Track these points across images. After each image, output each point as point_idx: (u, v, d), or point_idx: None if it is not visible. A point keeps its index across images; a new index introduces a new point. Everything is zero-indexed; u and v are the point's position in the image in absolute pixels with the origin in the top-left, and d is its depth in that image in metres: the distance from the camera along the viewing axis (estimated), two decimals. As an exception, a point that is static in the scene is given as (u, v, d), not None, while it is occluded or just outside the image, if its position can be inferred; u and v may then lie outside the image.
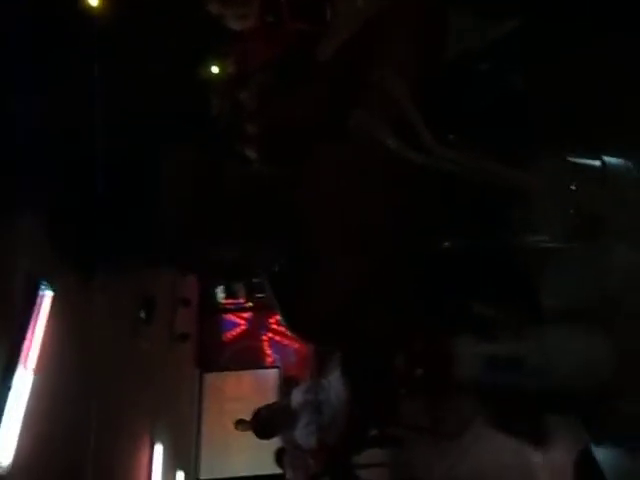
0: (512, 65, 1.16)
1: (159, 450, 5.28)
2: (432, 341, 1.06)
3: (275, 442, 5.23)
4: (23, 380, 2.88)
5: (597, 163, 1.03)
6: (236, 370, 8.43)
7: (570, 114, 1.10)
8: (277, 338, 8.82)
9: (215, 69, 3.93)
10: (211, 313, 8.97)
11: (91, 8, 3.61)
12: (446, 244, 1.07)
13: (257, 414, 3.94)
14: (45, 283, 3.12)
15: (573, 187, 0.99)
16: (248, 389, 8.21)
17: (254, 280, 9.11)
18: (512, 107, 1.10)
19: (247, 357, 8.64)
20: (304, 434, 3.63)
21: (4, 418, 2.71)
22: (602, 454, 1.09)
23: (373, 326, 1.05)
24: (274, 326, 8.96)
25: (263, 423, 3.87)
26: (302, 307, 1.07)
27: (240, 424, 5.75)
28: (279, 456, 4.61)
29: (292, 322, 1.16)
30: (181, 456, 6.60)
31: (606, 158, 1.04)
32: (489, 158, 0.98)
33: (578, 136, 1.09)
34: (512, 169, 1.00)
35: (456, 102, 1.08)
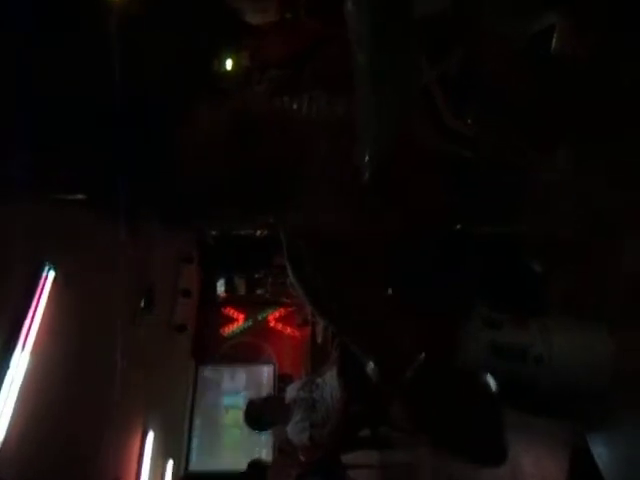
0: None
1: (151, 438, 5.31)
2: (434, 325, 1.06)
3: (266, 437, 5.23)
4: (20, 361, 2.89)
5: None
6: (232, 364, 8.45)
7: (590, 111, 1.11)
8: (274, 335, 8.84)
9: (229, 63, 3.95)
10: (210, 306, 8.99)
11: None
12: (455, 227, 1.08)
13: (250, 404, 3.95)
14: (49, 264, 3.14)
15: (586, 182, 1.00)
16: (243, 384, 8.23)
17: (255, 276, 9.14)
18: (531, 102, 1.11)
19: (243, 352, 8.66)
20: (296, 430, 3.63)
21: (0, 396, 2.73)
22: (603, 459, 1.10)
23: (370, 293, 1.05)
24: (272, 322, 8.99)
25: (255, 414, 3.87)
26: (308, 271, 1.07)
27: None
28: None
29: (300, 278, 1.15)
30: (172, 446, 6.63)
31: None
32: (506, 140, 0.99)
33: (596, 132, 1.10)
34: (528, 153, 1.01)
35: (473, 92, 1.09)
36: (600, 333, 1.08)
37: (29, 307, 2.98)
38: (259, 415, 3.86)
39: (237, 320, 9.04)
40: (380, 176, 0.98)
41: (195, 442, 7.60)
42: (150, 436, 5.31)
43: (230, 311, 9.10)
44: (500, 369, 1.04)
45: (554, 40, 1.24)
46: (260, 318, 9.02)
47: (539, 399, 1.08)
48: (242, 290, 9.14)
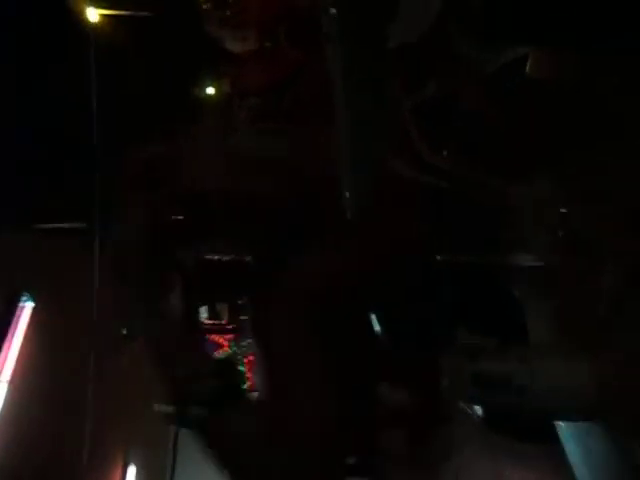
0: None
1: (132, 472, 5.18)
2: (419, 357, 1.07)
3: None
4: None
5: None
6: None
7: (565, 138, 1.13)
8: (259, 361, 8.74)
9: (210, 90, 3.99)
10: (193, 333, 8.87)
11: (90, 25, 3.66)
12: (436, 258, 1.10)
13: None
14: (26, 294, 3.08)
15: (563, 209, 1.02)
16: (227, 412, 8.07)
17: (238, 301, 9.06)
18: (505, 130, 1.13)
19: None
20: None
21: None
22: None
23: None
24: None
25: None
26: None
27: None
28: None
29: None
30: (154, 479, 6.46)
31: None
32: (481, 171, 1.01)
33: (570, 159, 1.12)
34: (504, 183, 1.03)
35: (451, 125, 1.11)
36: (580, 360, 1.08)
37: (5, 337, 2.92)
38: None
39: (221, 347, 8.91)
40: (363, 215, 0.99)
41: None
42: (131, 470, 5.18)
43: (214, 338, 8.97)
44: (483, 399, 1.03)
45: (527, 67, 1.27)
46: (244, 344, 8.91)
47: (523, 425, 1.08)
48: (225, 316, 9.03)
